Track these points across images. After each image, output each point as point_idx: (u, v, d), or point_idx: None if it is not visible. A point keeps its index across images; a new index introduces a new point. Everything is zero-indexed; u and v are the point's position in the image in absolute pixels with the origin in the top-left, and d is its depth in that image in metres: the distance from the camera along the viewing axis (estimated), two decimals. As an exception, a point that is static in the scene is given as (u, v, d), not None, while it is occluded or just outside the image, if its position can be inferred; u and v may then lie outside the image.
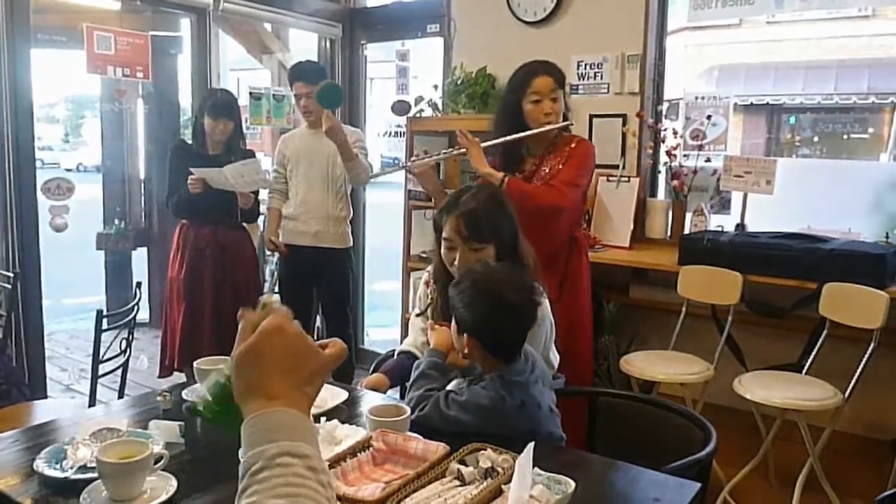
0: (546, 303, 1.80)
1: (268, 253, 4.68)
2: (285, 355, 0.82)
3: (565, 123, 2.61)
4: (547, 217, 2.50)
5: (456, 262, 1.87)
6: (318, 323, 4.28)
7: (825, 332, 2.74)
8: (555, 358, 1.96)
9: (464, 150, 2.59)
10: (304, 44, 4.85)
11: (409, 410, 1.53)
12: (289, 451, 0.74)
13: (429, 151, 3.10)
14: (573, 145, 2.61)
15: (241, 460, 0.75)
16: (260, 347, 0.81)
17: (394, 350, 2.17)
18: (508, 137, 2.58)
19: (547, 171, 2.59)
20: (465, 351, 1.58)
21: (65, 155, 15.57)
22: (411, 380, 1.69)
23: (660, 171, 3.67)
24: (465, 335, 1.57)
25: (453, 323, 1.62)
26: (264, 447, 0.74)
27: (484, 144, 2.59)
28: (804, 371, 2.76)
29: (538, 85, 2.53)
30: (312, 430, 0.80)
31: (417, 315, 2.08)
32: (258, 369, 0.80)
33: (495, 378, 1.55)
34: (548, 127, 2.54)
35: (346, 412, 1.74)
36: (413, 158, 3.23)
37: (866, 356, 2.56)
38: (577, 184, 2.56)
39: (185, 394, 1.82)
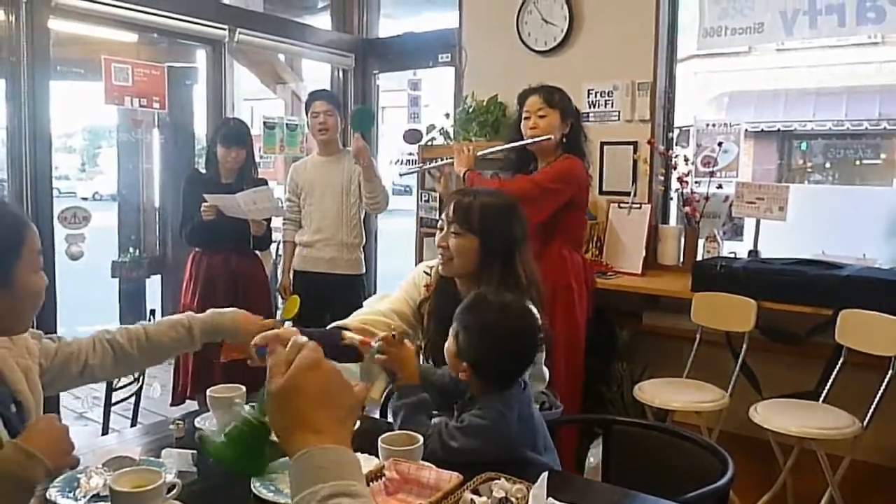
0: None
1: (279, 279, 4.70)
2: (325, 389, 0.81)
3: (543, 138, 2.81)
4: None
5: (436, 241, 1.87)
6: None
7: (842, 360, 2.71)
8: (545, 371, 1.95)
9: (452, 158, 2.99)
10: (317, 74, 4.92)
11: (421, 439, 1.52)
12: (342, 491, 0.71)
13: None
14: (562, 160, 2.84)
15: (291, 501, 0.73)
16: (299, 381, 0.80)
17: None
18: (498, 147, 3.04)
19: None
20: (461, 374, 1.57)
21: (81, 184, 15.80)
22: (397, 423, 1.62)
23: (671, 198, 3.67)
24: (464, 363, 1.55)
25: (451, 343, 1.58)
26: (316, 487, 0.71)
27: (480, 153, 3.01)
28: (821, 399, 2.73)
29: (528, 104, 2.87)
30: (360, 466, 0.79)
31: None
32: (299, 403, 0.79)
33: (489, 399, 1.54)
34: (530, 140, 2.84)
35: (357, 441, 1.72)
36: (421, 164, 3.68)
37: (884, 384, 2.52)
38: (541, 185, 2.76)
39: (197, 422, 1.81)
